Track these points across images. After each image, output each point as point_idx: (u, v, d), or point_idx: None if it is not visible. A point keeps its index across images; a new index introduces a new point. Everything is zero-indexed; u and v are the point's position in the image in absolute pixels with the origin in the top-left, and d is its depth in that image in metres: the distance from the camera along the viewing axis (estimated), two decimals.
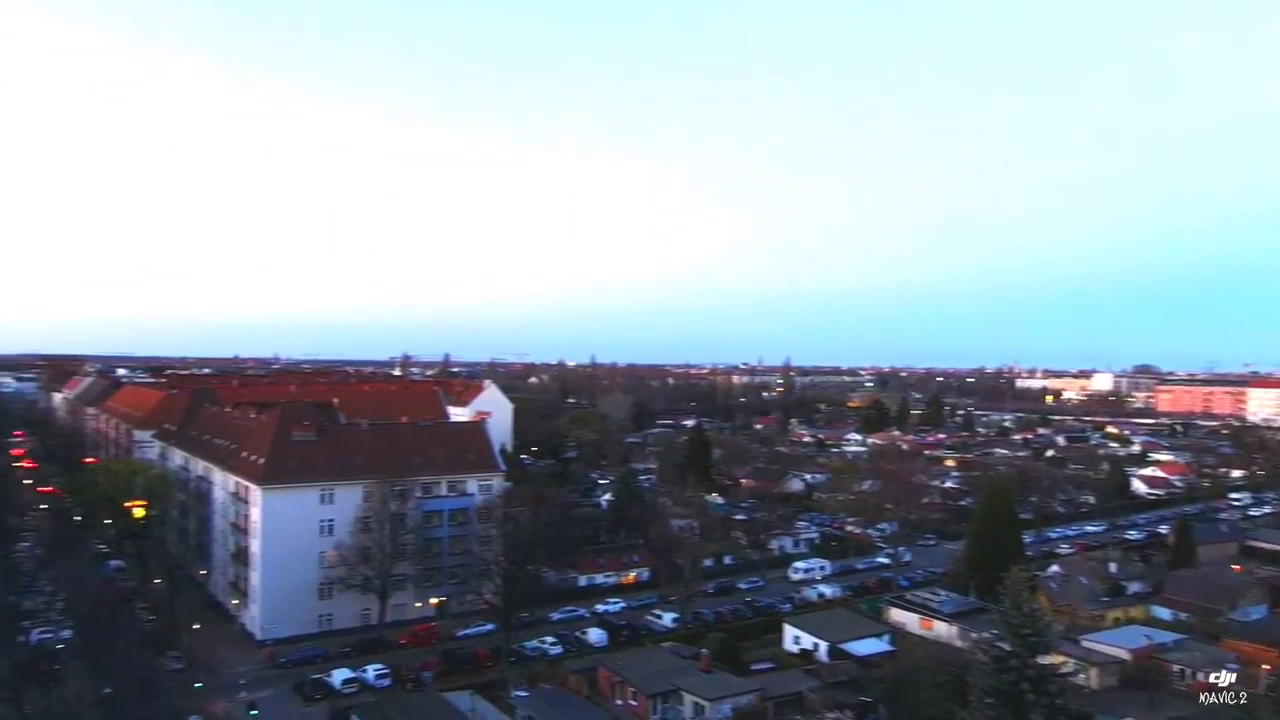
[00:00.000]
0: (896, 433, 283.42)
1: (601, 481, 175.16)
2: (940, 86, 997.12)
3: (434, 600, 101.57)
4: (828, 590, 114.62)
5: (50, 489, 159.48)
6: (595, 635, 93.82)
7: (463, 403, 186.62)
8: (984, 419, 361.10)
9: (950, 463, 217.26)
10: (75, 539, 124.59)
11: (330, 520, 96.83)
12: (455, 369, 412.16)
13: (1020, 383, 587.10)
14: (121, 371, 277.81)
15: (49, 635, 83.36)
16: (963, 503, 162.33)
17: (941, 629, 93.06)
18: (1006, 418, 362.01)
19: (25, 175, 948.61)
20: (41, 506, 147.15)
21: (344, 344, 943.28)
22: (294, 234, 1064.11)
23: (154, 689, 70.18)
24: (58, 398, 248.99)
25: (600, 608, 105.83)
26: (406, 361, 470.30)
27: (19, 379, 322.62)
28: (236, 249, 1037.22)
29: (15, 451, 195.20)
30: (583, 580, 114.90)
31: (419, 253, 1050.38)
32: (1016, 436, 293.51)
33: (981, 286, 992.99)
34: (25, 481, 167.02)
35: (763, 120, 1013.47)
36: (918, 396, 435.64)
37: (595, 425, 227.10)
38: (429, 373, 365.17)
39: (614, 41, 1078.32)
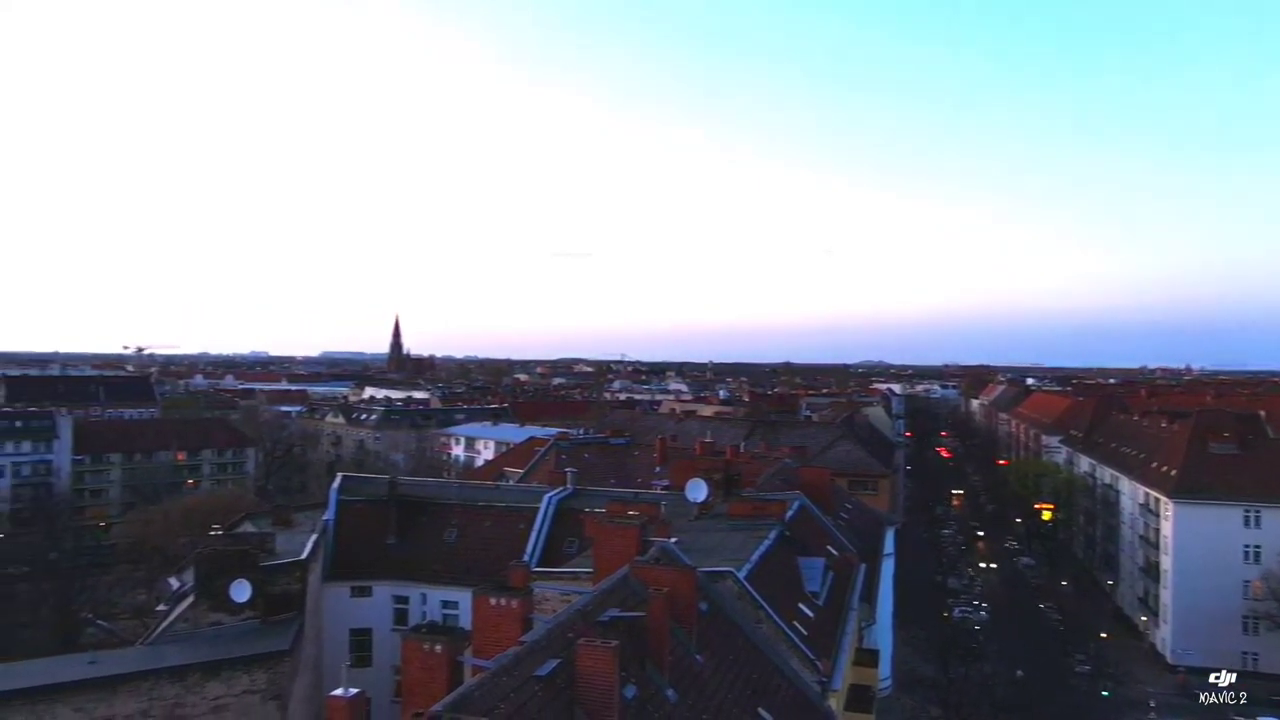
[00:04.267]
0: None
1: None
2: None
3: None
4: None
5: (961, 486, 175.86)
6: None
7: None
8: None
9: None
10: (990, 532, 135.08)
11: (1256, 546, 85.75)
12: None
13: None
14: (1030, 380, 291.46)
15: (969, 613, 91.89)
16: None
17: None
18: None
19: None
20: (959, 498, 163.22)
21: (1270, 353, 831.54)
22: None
23: (1063, 685, 71.73)
24: (975, 402, 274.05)
25: None
26: None
27: (944, 386, 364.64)
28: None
29: (940, 449, 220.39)
30: None
31: None
32: None
33: None
34: (947, 476, 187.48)
35: None
36: None
37: None
38: None
39: None
